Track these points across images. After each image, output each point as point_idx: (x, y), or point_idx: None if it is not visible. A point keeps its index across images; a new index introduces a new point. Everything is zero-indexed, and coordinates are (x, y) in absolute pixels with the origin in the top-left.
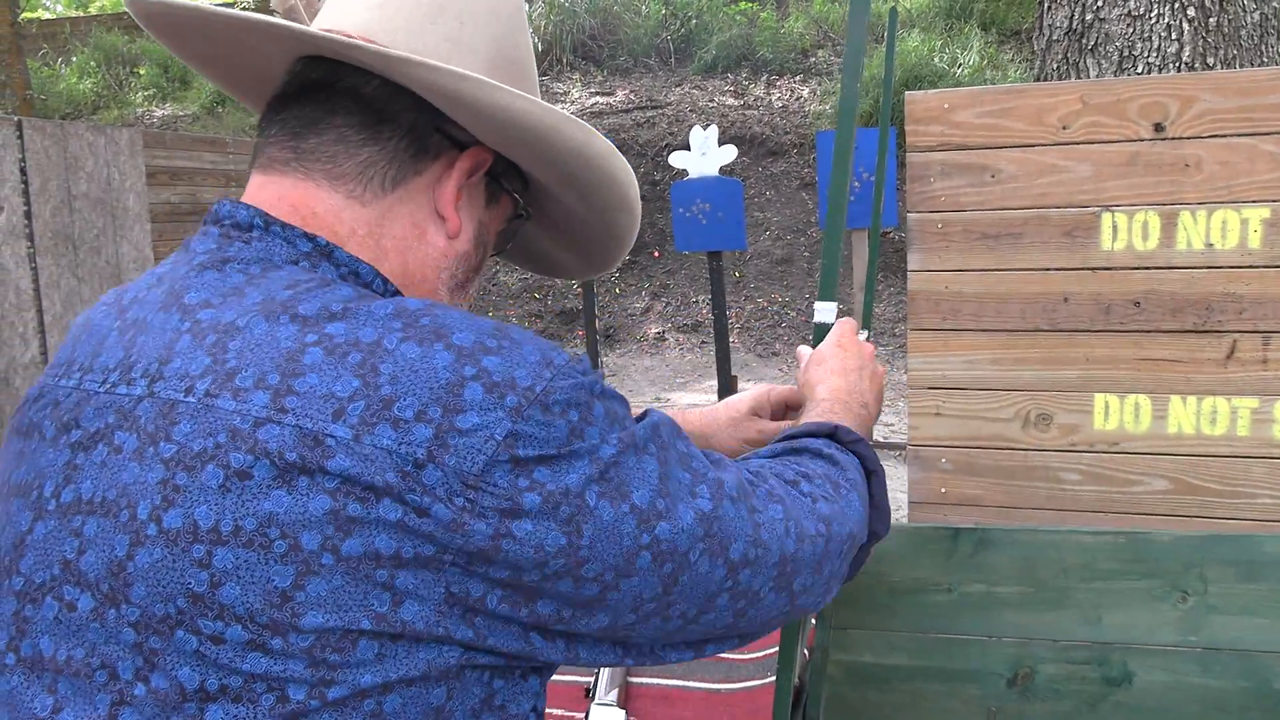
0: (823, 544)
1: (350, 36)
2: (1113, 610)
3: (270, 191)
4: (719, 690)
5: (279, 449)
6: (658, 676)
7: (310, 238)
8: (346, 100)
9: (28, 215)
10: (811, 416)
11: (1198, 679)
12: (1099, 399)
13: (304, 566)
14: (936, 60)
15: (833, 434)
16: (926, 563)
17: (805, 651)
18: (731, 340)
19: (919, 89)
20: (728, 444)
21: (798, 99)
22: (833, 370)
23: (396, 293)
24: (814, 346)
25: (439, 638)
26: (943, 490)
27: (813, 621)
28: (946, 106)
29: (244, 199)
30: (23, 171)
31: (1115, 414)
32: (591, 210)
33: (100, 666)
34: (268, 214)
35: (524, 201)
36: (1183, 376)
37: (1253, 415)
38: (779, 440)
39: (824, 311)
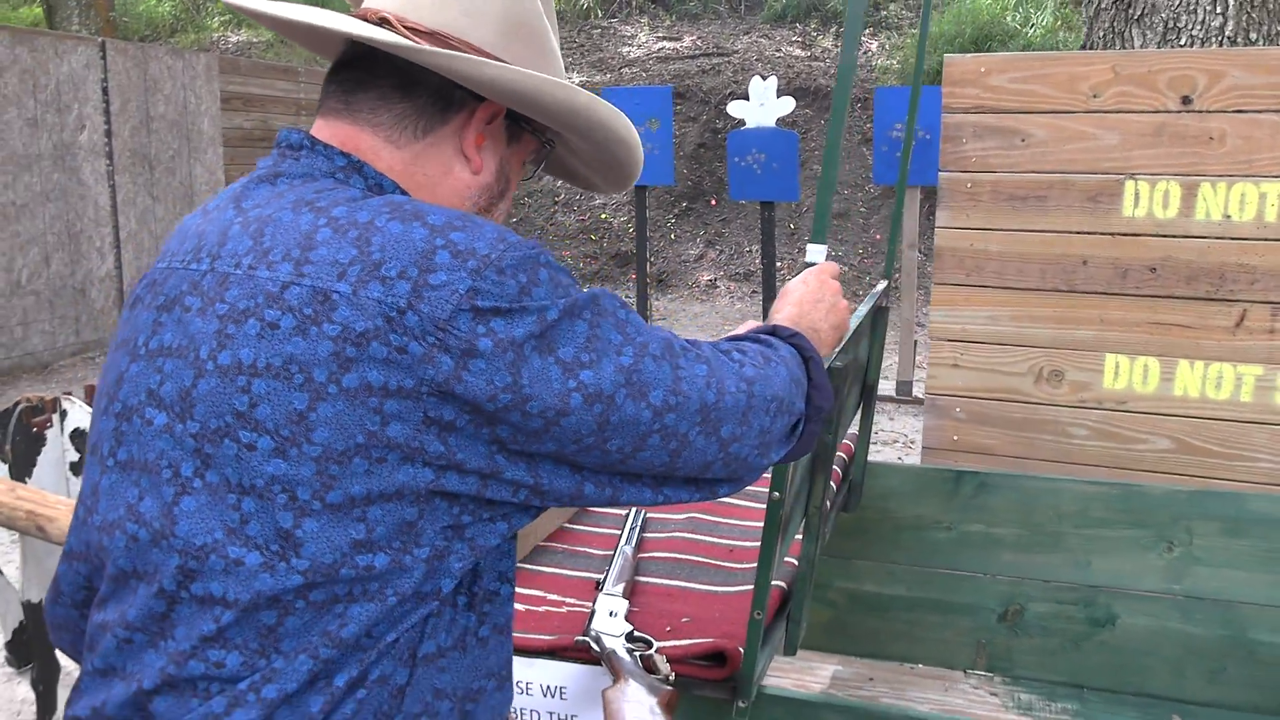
0: (745, 399)
1: (385, 15)
2: (1102, 556)
3: (326, 131)
4: (716, 591)
5: (299, 305)
6: (663, 578)
7: (345, 155)
8: (385, 67)
9: (108, 134)
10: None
11: (1178, 625)
12: (1110, 359)
13: (315, 394)
14: (1009, 19)
15: (772, 331)
16: (930, 502)
17: (794, 561)
18: None
19: (989, 49)
20: None
21: (865, 53)
22: (791, 301)
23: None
24: None
25: (415, 450)
26: (955, 438)
27: (799, 536)
28: (983, 70)
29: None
30: (104, 92)
31: (1125, 374)
32: (593, 145)
33: (167, 466)
34: (316, 138)
35: (546, 136)
36: (1192, 341)
37: (1257, 382)
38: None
39: (814, 253)
